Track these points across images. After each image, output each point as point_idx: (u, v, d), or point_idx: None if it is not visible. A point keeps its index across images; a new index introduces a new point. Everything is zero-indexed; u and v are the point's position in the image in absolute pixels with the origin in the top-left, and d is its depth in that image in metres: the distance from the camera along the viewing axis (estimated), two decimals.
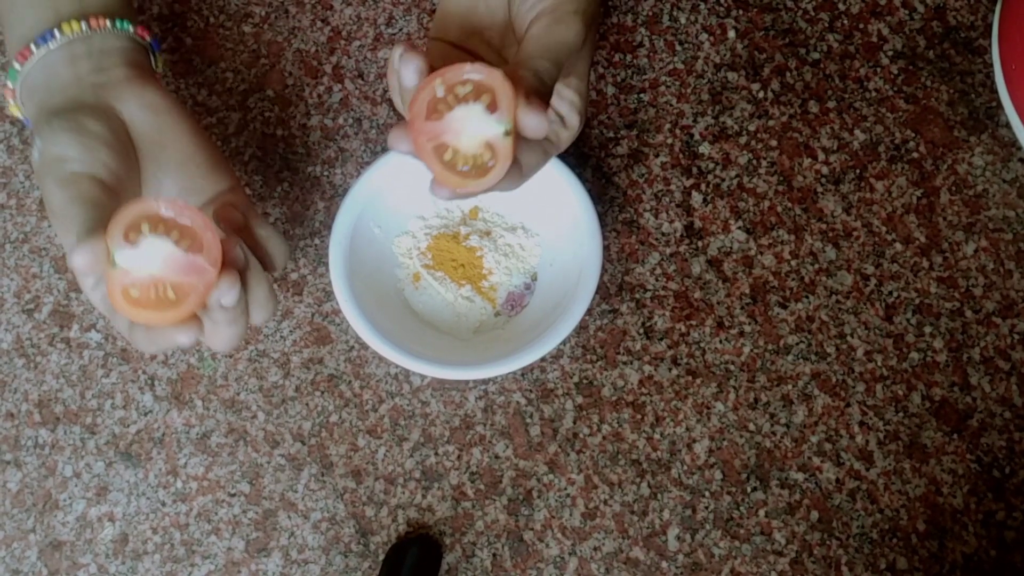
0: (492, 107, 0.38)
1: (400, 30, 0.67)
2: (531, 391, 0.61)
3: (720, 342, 0.62)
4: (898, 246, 0.62)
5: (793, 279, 0.62)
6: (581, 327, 0.62)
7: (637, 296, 0.62)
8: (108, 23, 0.47)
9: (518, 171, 0.41)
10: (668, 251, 0.63)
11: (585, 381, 0.61)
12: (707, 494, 0.60)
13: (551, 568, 0.59)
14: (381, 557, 0.60)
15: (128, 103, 0.47)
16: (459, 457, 0.61)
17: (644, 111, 0.65)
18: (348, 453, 0.61)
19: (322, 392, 0.62)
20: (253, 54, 0.67)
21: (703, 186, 0.64)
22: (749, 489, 0.60)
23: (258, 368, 0.63)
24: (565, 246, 0.60)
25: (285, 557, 0.60)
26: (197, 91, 0.66)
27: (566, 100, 0.44)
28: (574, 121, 0.45)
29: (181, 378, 0.63)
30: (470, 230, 0.62)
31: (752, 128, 0.64)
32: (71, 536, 0.61)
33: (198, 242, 0.39)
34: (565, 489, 0.60)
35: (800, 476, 0.60)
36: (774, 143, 0.64)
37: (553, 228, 0.61)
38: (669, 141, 0.64)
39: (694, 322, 0.62)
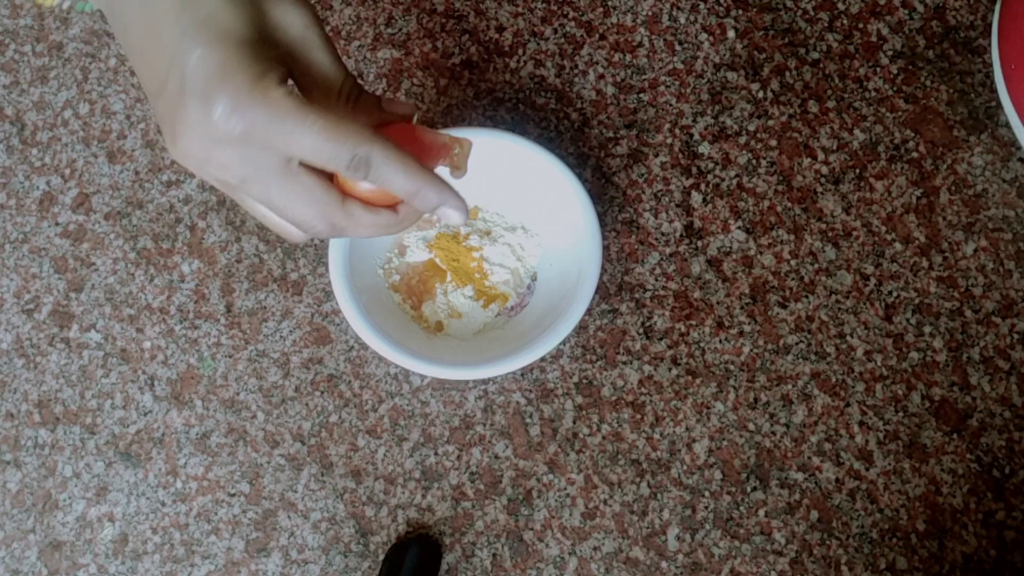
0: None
1: (400, 30, 0.67)
2: (531, 391, 0.61)
3: (720, 342, 0.62)
4: (898, 246, 0.62)
5: (793, 279, 0.62)
6: (581, 327, 0.62)
7: (637, 296, 0.62)
8: None
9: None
10: (668, 251, 0.63)
11: (585, 381, 0.61)
12: (707, 494, 0.60)
13: (551, 568, 0.59)
14: (381, 557, 0.60)
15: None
16: (459, 457, 0.61)
17: (644, 111, 0.65)
18: (348, 453, 0.61)
19: (322, 392, 0.62)
20: None
21: (703, 186, 0.64)
22: (749, 489, 0.60)
23: (258, 368, 0.63)
24: (565, 246, 0.60)
25: (285, 557, 0.60)
26: None
27: None
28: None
29: (181, 378, 0.63)
30: (470, 230, 0.62)
31: (752, 128, 0.64)
32: (71, 536, 0.61)
33: None
34: (565, 489, 0.60)
35: (800, 476, 0.60)
36: (774, 143, 0.64)
37: (553, 228, 0.61)
38: (669, 141, 0.64)
39: (694, 322, 0.62)
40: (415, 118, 0.43)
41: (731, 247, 0.63)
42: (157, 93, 0.36)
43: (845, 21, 0.66)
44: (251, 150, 0.36)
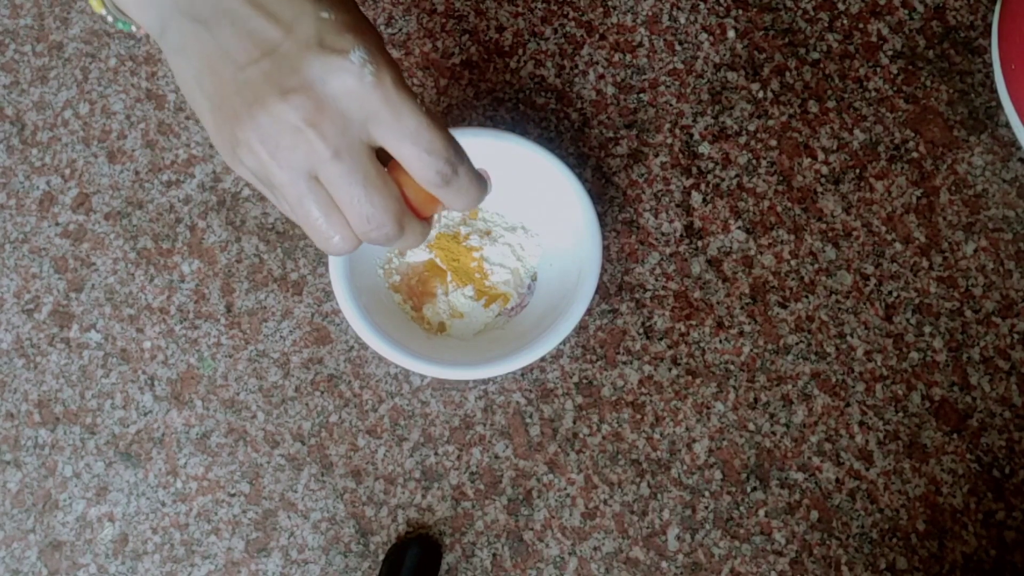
0: None
1: (400, 30, 0.67)
2: (531, 391, 0.61)
3: (720, 342, 0.62)
4: (898, 246, 0.62)
5: (793, 279, 0.62)
6: (581, 327, 0.62)
7: (637, 296, 0.62)
8: None
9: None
10: (668, 251, 0.63)
11: (585, 381, 0.61)
12: (707, 494, 0.60)
13: (551, 568, 0.59)
14: (381, 557, 0.60)
15: None
16: (459, 457, 0.61)
17: (644, 111, 0.65)
18: (348, 453, 0.61)
19: (322, 392, 0.62)
20: None
21: (703, 186, 0.64)
22: (749, 489, 0.60)
23: (258, 368, 0.63)
24: (565, 246, 0.60)
25: (285, 557, 0.60)
26: None
27: None
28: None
29: (181, 378, 0.63)
30: (470, 230, 0.62)
31: (752, 128, 0.64)
32: (71, 536, 0.61)
33: None
34: (565, 489, 0.60)
35: (800, 476, 0.60)
36: (774, 143, 0.64)
37: (553, 228, 0.61)
38: (669, 141, 0.64)
39: (694, 322, 0.62)
40: None
41: (731, 247, 0.63)
42: (264, 54, 0.34)
43: (845, 21, 0.66)
44: (357, 118, 0.35)
